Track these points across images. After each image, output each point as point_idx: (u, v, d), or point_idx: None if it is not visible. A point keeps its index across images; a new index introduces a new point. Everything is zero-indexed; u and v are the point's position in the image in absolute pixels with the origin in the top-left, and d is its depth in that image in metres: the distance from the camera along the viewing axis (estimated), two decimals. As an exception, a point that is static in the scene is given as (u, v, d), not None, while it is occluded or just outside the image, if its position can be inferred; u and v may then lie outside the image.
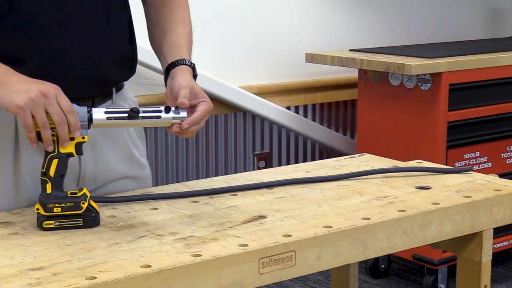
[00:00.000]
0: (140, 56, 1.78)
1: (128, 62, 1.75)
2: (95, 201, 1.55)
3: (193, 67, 1.69)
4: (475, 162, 3.29)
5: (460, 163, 3.23)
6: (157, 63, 1.78)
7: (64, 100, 1.47)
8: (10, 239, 1.43)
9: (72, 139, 1.49)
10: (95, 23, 1.64)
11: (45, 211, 1.48)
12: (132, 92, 1.85)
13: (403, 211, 1.61)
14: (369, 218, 1.56)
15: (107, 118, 1.51)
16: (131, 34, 1.75)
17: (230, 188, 1.75)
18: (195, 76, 1.69)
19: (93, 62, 1.63)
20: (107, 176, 1.72)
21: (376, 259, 3.47)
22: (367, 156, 2.09)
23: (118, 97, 1.75)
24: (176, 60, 1.68)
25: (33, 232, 1.47)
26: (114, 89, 1.73)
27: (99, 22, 1.64)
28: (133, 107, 1.52)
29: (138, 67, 1.80)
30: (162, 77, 1.74)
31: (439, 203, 1.67)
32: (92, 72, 1.64)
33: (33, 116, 1.45)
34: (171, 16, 1.77)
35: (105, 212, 1.59)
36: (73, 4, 1.60)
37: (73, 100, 1.50)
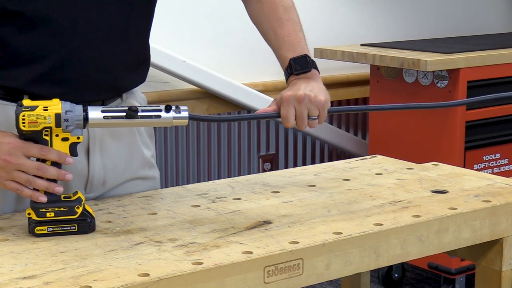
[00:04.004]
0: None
1: (141, 69, 1.76)
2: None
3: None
4: (495, 165, 3.29)
5: (479, 165, 3.23)
6: (155, 59, 1.78)
7: (34, 150, 1.48)
8: (-1, 246, 1.44)
9: (66, 139, 1.50)
10: (113, 25, 1.63)
11: (37, 216, 1.49)
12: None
13: (418, 216, 1.62)
14: (381, 224, 1.56)
15: (104, 117, 1.51)
16: (148, 38, 1.76)
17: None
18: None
19: (106, 66, 1.64)
20: (116, 179, 1.74)
21: (389, 268, 3.47)
22: (380, 158, 2.09)
23: (127, 95, 1.76)
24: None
25: (24, 238, 1.48)
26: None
27: (117, 24, 1.64)
28: (131, 106, 1.53)
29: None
30: (162, 73, 1.74)
31: (456, 208, 1.67)
32: (104, 77, 1.65)
33: None
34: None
35: (100, 217, 1.59)
36: (91, 3, 1.59)
37: (83, 102, 1.52)
